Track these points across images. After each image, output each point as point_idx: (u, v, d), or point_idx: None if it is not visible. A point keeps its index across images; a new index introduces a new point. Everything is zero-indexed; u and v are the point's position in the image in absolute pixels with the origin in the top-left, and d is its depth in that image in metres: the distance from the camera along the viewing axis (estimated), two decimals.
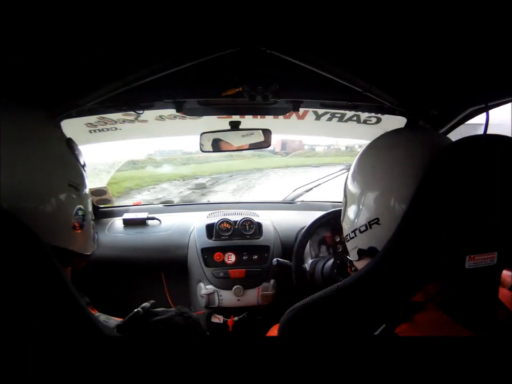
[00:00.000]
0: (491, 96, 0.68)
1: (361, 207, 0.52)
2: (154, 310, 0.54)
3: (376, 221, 0.50)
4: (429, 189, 0.44)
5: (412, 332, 0.44)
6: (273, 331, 0.87)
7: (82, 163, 0.57)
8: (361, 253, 0.53)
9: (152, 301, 0.55)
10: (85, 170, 0.58)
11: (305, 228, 1.11)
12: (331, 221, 1.11)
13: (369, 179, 0.52)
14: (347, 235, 0.57)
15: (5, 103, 0.51)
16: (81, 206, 0.53)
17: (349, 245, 0.57)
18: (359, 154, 0.57)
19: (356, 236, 0.54)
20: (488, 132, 0.56)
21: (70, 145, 0.55)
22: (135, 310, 0.52)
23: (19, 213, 0.41)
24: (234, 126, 1.11)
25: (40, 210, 0.47)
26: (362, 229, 0.52)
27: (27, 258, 0.39)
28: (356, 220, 0.53)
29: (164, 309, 0.55)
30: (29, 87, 0.65)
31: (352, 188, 0.55)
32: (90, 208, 0.58)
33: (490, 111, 0.62)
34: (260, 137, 1.16)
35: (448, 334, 0.43)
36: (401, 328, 0.45)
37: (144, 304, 0.53)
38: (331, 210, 1.13)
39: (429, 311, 0.45)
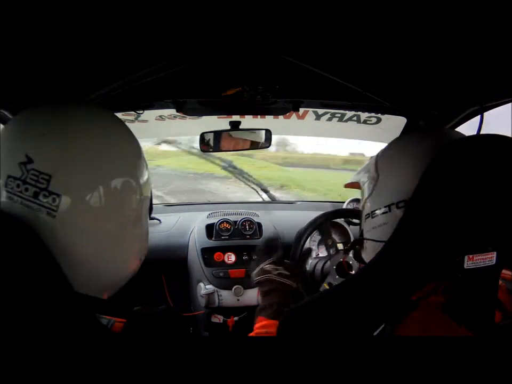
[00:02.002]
0: (490, 96, 0.68)
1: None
2: (138, 308, 0.55)
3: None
4: (426, 189, 0.44)
5: (405, 331, 0.44)
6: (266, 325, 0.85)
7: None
8: None
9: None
10: None
11: (302, 228, 1.10)
12: (329, 220, 1.10)
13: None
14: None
15: None
16: None
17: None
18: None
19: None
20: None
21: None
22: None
23: None
24: (234, 126, 1.10)
25: None
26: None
27: (29, 258, 0.39)
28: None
29: (148, 307, 0.56)
30: (28, 88, 0.65)
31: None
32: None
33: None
34: (260, 137, 1.16)
35: (444, 333, 0.43)
36: (395, 327, 0.45)
37: None
38: (329, 211, 1.12)
39: (422, 310, 0.45)
